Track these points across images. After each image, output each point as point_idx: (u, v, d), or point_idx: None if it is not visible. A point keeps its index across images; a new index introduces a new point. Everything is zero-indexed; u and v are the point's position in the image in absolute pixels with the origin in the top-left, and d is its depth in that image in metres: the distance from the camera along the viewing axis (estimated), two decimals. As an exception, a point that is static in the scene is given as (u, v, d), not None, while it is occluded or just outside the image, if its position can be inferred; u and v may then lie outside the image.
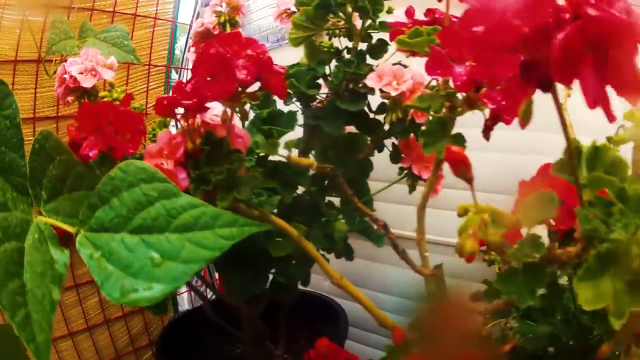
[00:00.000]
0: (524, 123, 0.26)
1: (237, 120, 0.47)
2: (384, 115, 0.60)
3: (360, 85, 0.59)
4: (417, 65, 0.55)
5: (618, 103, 0.24)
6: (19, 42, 0.83)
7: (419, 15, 0.53)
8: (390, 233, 0.46)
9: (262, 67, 0.42)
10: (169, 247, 0.32)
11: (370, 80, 0.56)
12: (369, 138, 0.63)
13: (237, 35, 0.42)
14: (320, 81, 0.61)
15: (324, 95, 0.63)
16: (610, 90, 0.24)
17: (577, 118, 0.46)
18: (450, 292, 0.45)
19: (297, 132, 0.60)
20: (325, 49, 0.62)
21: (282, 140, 0.52)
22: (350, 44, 0.62)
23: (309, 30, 0.60)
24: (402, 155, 0.61)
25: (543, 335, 0.43)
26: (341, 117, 0.60)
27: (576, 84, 0.24)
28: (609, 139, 0.49)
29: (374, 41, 0.61)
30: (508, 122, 0.32)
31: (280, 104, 0.61)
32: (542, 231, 0.36)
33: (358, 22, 0.60)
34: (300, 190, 0.60)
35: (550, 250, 0.35)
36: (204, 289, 0.98)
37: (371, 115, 0.62)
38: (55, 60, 0.81)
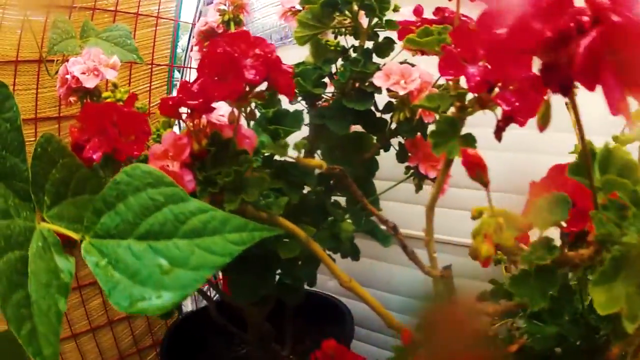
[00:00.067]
0: (542, 126, 0.25)
1: (243, 121, 0.46)
2: (391, 114, 0.59)
3: (367, 84, 0.58)
4: (424, 63, 0.54)
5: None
6: (20, 43, 0.82)
7: (427, 14, 0.52)
8: (399, 235, 0.45)
9: (271, 66, 0.41)
10: (178, 254, 0.31)
11: (377, 79, 0.55)
12: (375, 137, 0.63)
13: (245, 34, 0.41)
14: (326, 80, 0.61)
15: (330, 94, 0.62)
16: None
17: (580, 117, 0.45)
18: (458, 293, 0.44)
19: (303, 132, 0.60)
20: (332, 48, 0.61)
21: (289, 140, 0.51)
22: (356, 43, 0.61)
23: (315, 29, 0.59)
24: (409, 154, 0.60)
25: (551, 335, 0.42)
26: (347, 116, 0.59)
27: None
28: (615, 138, 0.49)
29: (380, 39, 0.60)
30: (522, 124, 0.31)
31: (285, 103, 0.60)
32: (552, 232, 0.36)
33: (364, 20, 0.59)
34: (306, 190, 0.59)
35: (562, 253, 0.34)
36: (208, 289, 0.97)
37: (377, 115, 0.61)
38: (57, 61, 0.80)
